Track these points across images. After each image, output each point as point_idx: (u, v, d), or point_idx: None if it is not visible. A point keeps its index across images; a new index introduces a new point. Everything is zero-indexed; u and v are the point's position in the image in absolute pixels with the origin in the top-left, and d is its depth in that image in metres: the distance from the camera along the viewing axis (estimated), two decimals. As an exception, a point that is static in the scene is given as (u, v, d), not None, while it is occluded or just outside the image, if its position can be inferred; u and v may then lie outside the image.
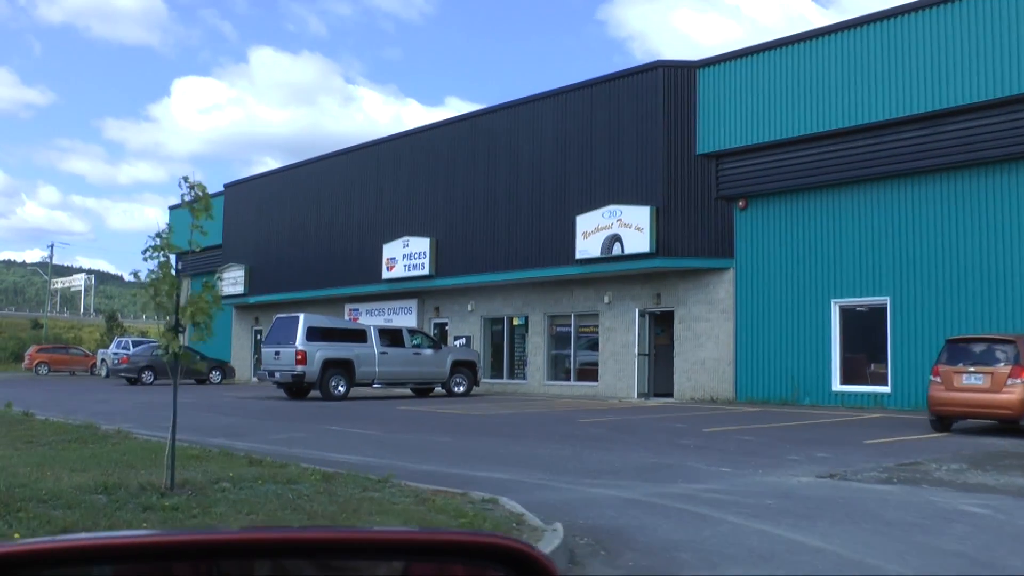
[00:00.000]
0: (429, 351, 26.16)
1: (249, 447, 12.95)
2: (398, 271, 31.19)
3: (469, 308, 30.25)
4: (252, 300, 38.89)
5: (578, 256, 25.58)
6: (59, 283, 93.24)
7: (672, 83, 24.44)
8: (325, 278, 34.98)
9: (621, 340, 26.00)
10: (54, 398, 25.63)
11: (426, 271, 30.14)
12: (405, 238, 31.00)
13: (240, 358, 40.31)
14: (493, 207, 28.62)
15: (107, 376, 45.36)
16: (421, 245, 30.38)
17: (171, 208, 47.41)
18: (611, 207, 24.85)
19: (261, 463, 10.15)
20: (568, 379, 27.60)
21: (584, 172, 26.06)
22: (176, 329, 7.95)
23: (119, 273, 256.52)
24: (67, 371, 49.77)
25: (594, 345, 27.28)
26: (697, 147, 24.19)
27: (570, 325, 27.66)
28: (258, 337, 40.41)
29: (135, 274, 8.45)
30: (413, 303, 31.87)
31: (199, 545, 1.29)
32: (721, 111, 23.93)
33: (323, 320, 25.33)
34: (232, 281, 39.78)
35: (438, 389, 26.93)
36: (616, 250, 24.64)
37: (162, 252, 8.01)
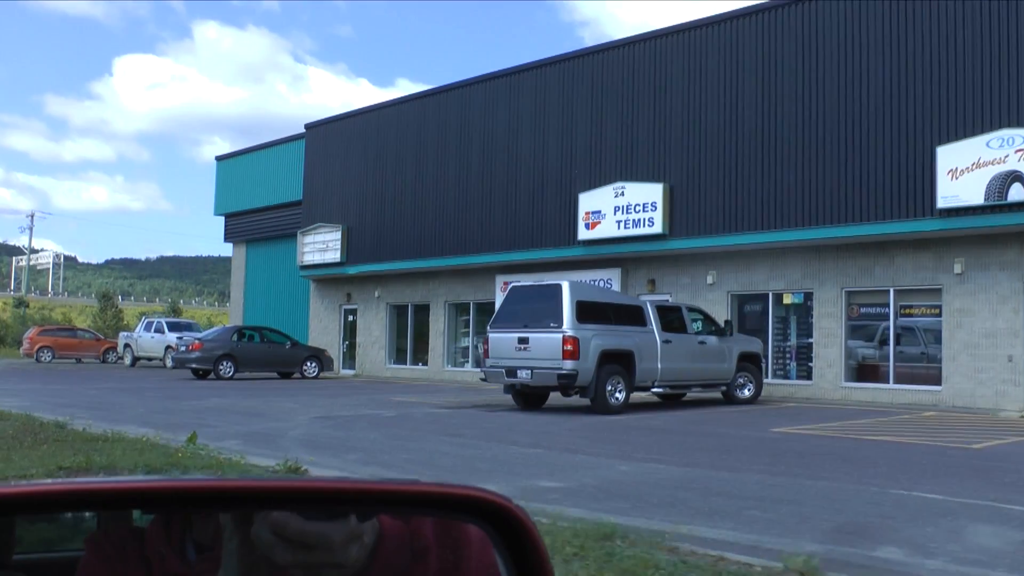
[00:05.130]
0: (714, 339, 18.22)
1: None
2: (605, 229, 22.94)
3: (709, 280, 22.27)
4: (352, 271, 30.34)
5: (941, 204, 17.85)
6: (25, 262, 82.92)
7: (1104, -48, 16.81)
8: (469, 241, 26.72)
9: (982, 327, 18.34)
10: (140, 403, 17.23)
11: (656, 228, 21.97)
12: (619, 184, 22.82)
13: (324, 344, 31.68)
14: (770, 139, 20.68)
15: (132, 364, 36.48)
16: (647, 193, 22.20)
17: (218, 159, 38.65)
18: (1002, 132, 17.16)
19: None
20: (883, 380, 19.81)
21: (946, 86, 18.29)
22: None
23: (71, 253, 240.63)
24: (73, 358, 40.55)
25: (895, 332, 19.70)
26: None
27: (887, 305, 19.85)
28: (350, 318, 31.97)
29: None
30: (615, 273, 23.70)
31: (159, 492, 1.19)
32: None
33: (591, 292, 17.15)
34: (320, 247, 31.22)
35: (691, 393, 19.11)
36: (1014, 194, 16.96)
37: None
